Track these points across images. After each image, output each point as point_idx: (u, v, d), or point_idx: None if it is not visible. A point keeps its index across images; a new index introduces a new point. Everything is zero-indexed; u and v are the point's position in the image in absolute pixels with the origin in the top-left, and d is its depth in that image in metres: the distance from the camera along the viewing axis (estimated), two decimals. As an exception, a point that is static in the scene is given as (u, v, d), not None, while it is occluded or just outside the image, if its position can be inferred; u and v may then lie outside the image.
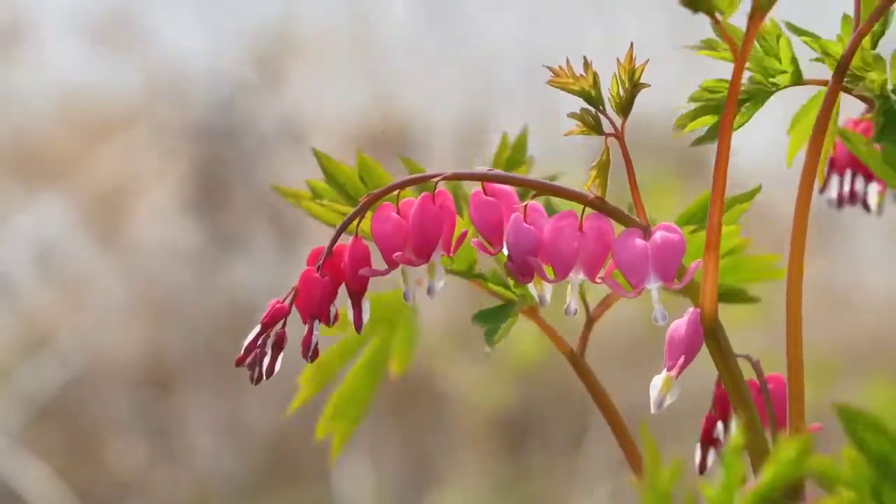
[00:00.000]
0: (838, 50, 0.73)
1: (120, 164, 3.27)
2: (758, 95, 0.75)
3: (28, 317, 3.15)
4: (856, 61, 0.73)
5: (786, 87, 0.75)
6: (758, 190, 0.78)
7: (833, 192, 0.88)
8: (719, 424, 0.78)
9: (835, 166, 0.88)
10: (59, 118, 3.40)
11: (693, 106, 0.75)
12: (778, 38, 0.74)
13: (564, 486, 2.88)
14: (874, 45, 0.73)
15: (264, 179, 3.26)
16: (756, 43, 0.74)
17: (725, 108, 0.70)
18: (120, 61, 3.39)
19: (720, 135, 0.70)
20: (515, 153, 0.83)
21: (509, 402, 2.97)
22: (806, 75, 0.76)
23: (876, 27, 0.73)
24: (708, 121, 0.75)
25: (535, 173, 0.81)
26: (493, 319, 0.74)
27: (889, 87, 0.73)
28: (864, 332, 3.17)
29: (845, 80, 0.73)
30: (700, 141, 0.75)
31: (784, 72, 0.74)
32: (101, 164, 3.26)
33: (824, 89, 0.74)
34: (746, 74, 0.74)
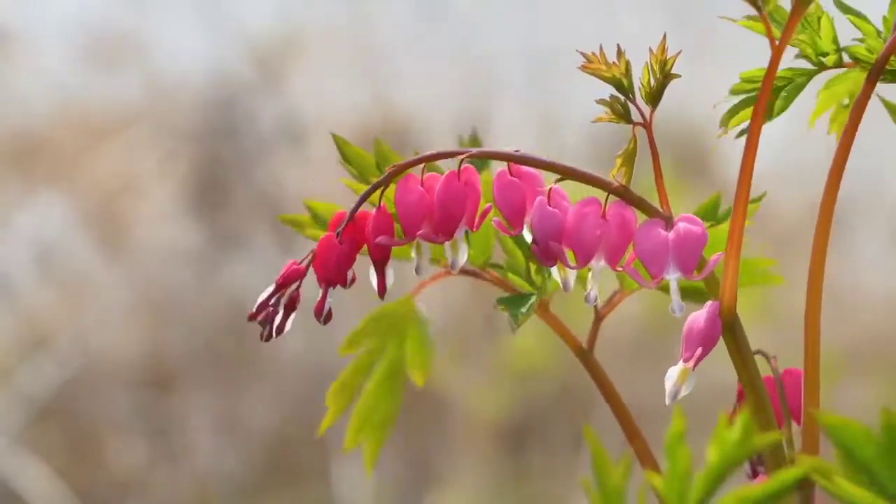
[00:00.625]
0: (879, 44, 0.73)
1: (120, 165, 3.27)
2: (798, 80, 0.74)
3: (28, 317, 3.15)
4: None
5: (830, 68, 0.74)
6: (763, 195, 0.78)
7: None
8: None
9: None
10: (59, 118, 3.40)
11: (734, 100, 0.74)
12: (818, 18, 0.73)
13: (564, 486, 2.88)
14: None
15: (264, 179, 3.26)
16: (801, 23, 0.73)
17: (759, 97, 0.69)
18: (120, 61, 3.39)
19: (751, 124, 0.70)
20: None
21: (509, 402, 2.97)
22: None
23: None
24: (749, 114, 0.74)
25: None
26: (514, 305, 0.74)
27: None
28: (864, 332, 3.17)
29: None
30: (743, 133, 0.74)
31: (827, 53, 0.74)
32: (101, 165, 3.26)
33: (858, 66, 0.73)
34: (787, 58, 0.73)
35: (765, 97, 0.69)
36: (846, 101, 0.79)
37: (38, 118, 3.41)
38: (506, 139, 3.21)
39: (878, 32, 0.73)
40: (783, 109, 0.74)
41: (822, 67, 0.74)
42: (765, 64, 0.70)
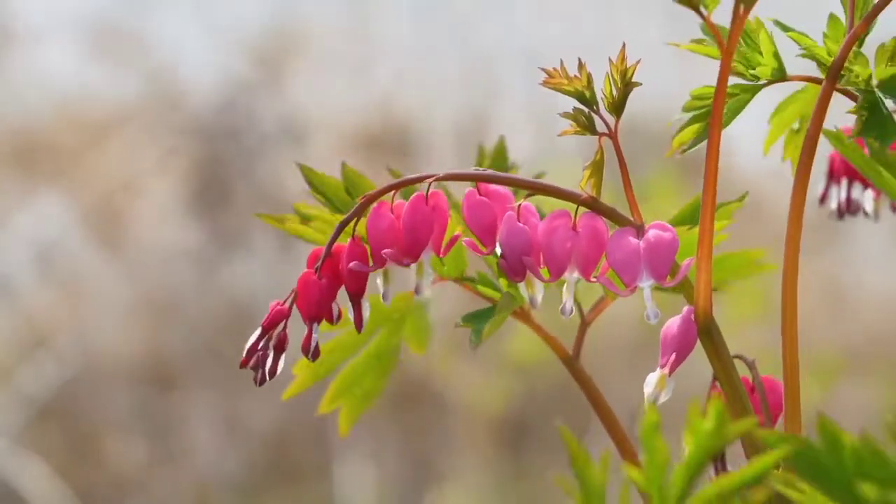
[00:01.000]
0: (823, 52, 0.74)
1: (120, 164, 3.27)
2: (743, 93, 0.75)
3: (28, 317, 3.15)
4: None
5: (768, 81, 0.75)
6: (745, 196, 0.78)
7: (833, 203, 0.88)
8: None
9: (832, 176, 0.88)
10: (60, 118, 3.40)
11: (686, 117, 0.75)
12: (759, 33, 0.74)
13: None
14: (860, 44, 0.73)
15: (264, 179, 3.26)
16: (740, 39, 0.74)
17: (713, 106, 0.70)
18: (121, 61, 3.39)
19: (710, 133, 0.70)
20: (496, 162, 0.83)
21: (509, 401, 2.98)
22: (792, 71, 0.76)
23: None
24: (699, 129, 0.75)
25: (530, 174, 0.81)
26: (479, 321, 0.74)
27: (874, 81, 0.72)
28: (864, 332, 3.18)
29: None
30: (686, 149, 0.76)
31: (765, 66, 0.74)
32: (101, 164, 3.26)
33: (808, 85, 0.74)
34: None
35: (719, 109, 0.70)
36: (796, 125, 0.81)
37: (38, 117, 3.41)
38: (506, 139, 3.20)
39: (825, 35, 0.74)
40: (727, 124, 0.75)
41: (757, 84, 0.75)
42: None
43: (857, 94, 0.72)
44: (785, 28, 0.75)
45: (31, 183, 3.26)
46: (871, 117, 0.72)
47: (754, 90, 0.75)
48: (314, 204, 0.79)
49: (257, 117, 3.32)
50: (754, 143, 0.81)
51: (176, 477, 3.01)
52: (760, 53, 0.74)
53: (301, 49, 3.43)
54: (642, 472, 0.61)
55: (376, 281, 0.73)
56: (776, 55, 0.75)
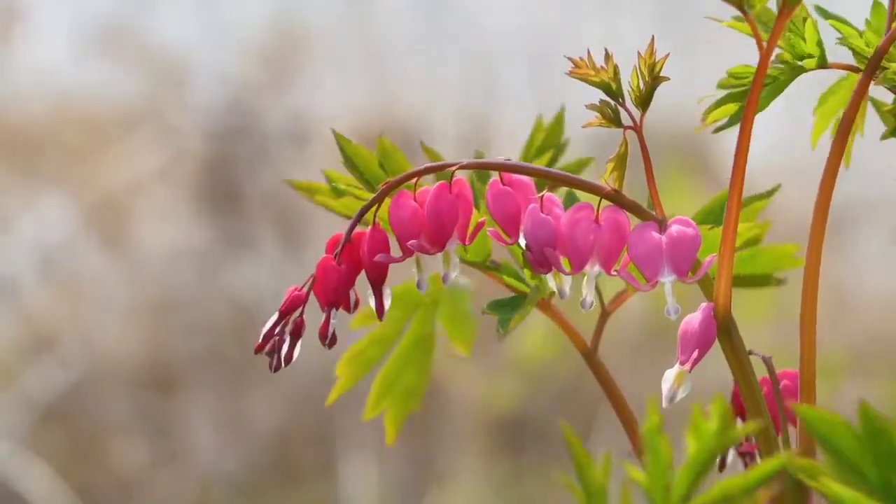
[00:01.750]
0: (861, 43, 0.73)
1: (124, 165, 3.27)
2: (781, 78, 0.74)
3: (31, 318, 3.15)
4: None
5: (810, 69, 0.74)
6: (776, 189, 0.78)
7: None
8: (738, 421, 0.78)
9: None
10: (63, 118, 3.40)
11: (719, 95, 0.74)
12: (804, 20, 0.73)
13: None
14: None
15: (269, 179, 3.26)
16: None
17: (750, 94, 0.69)
18: (125, 61, 3.39)
19: (742, 121, 0.70)
20: (550, 136, 0.83)
21: (512, 401, 2.97)
22: (832, 58, 0.75)
23: None
24: (731, 108, 0.75)
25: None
26: (506, 309, 0.74)
27: None
28: (864, 332, 3.17)
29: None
30: (721, 128, 0.75)
31: (810, 55, 0.74)
32: (105, 165, 3.26)
33: (850, 74, 0.74)
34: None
35: (755, 95, 0.69)
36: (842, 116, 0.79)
37: (41, 117, 3.41)
38: (506, 139, 3.21)
39: (867, 22, 0.73)
40: (762, 108, 0.74)
41: (800, 70, 0.74)
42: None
43: (893, 91, 0.72)
44: (826, 15, 0.75)
45: (34, 184, 3.26)
46: None
47: (793, 74, 0.74)
48: (346, 176, 0.78)
49: (262, 117, 3.32)
50: (763, 138, 0.81)
51: (178, 477, 3.01)
52: (804, 41, 0.74)
53: (305, 49, 3.42)
54: (645, 473, 0.61)
55: (411, 270, 0.73)
56: (819, 43, 0.74)
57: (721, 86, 0.75)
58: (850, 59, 0.75)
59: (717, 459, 0.77)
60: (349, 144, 0.78)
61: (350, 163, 0.78)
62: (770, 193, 0.78)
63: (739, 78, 0.74)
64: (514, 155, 0.78)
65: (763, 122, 0.75)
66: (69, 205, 3.20)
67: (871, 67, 0.71)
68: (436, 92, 3.43)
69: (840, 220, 3.22)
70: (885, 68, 0.71)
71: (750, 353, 0.72)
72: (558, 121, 0.83)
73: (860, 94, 0.71)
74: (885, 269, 3.42)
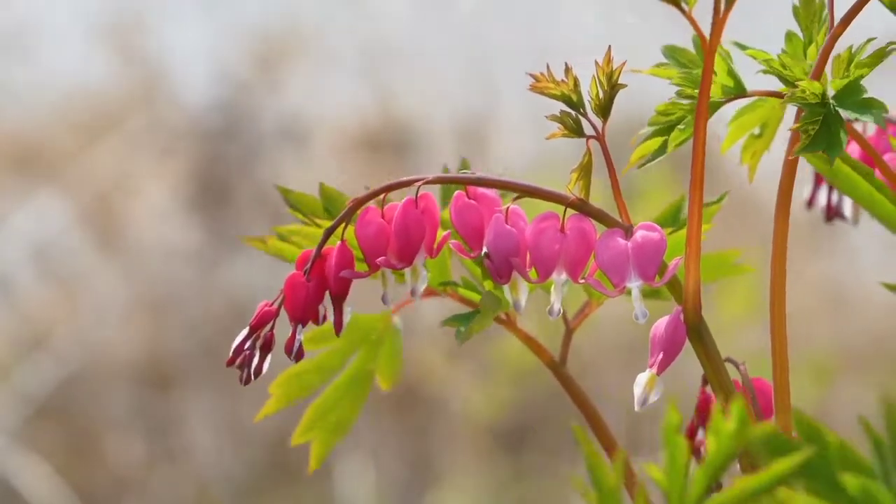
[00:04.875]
0: (778, 65, 0.75)
1: (119, 163, 3.27)
2: (690, 115, 0.75)
3: (26, 315, 3.15)
4: (797, 72, 0.74)
5: (727, 99, 0.76)
6: (724, 196, 0.80)
7: (819, 206, 0.88)
8: (700, 432, 0.78)
9: (819, 180, 0.89)
10: (58, 116, 3.40)
11: (650, 131, 0.75)
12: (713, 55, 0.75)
13: (564, 485, 2.88)
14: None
15: (264, 179, 3.26)
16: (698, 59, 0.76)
17: (698, 104, 0.70)
18: (119, 60, 3.39)
19: (695, 136, 0.71)
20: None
21: (508, 402, 2.97)
22: (756, 86, 0.77)
23: (819, 38, 0.75)
24: (655, 143, 0.75)
25: (530, 175, 0.82)
26: (462, 321, 0.75)
27: (830, 93, 0.73)
28: (864, 332, 3.18)
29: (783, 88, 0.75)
30: (644, 163, 0.76)
31: (720, 84, 0.75)
32: (99, 163, 3.26)
33: (768, 98, 0.76)
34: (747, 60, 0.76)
35: (704, 101, 0.70)
36: (757, 131, 0.82)
37: (35, 116, 3.41)
38: (506, 139, 3.21)
39: (783, 52, 0.76)
40: (682, 141, 0.75)
41: (717, 104, 0.76)
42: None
43: (804, 108, 0.72)
44: (743, 47, 0.77)
45: (28, 182, 3.26)
46: (821, 131, 0.72)
47: (714, 107, 0.75)
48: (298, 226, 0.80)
49: (257, 117, 3.32)
50: (739, 142, 0.82)
51: (175, 476, 3.01)
52: (716, 73, 0.75)
53: (301, 48, 3.42)
54: (663, 472, 0.61)
55: (380, 286, 0.74)
56: (731, 73, 0.76)
57: (651, 123, 0.75)
58: (769, 86, 0.77)
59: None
60: (291, 193, 0.79)
61: (295, 209, 0.80)
62: (720, 199, 0.79)
63: (666, 115, 0.75)
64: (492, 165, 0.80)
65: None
66: (64, 202, 3.20)
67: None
68: (435, 92, 3.43)
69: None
70: (795, 86, 0.72)
71: (725, 360, 0.73)
72: (463, 167, 0.84)
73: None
74: (885, 270, 3.42)
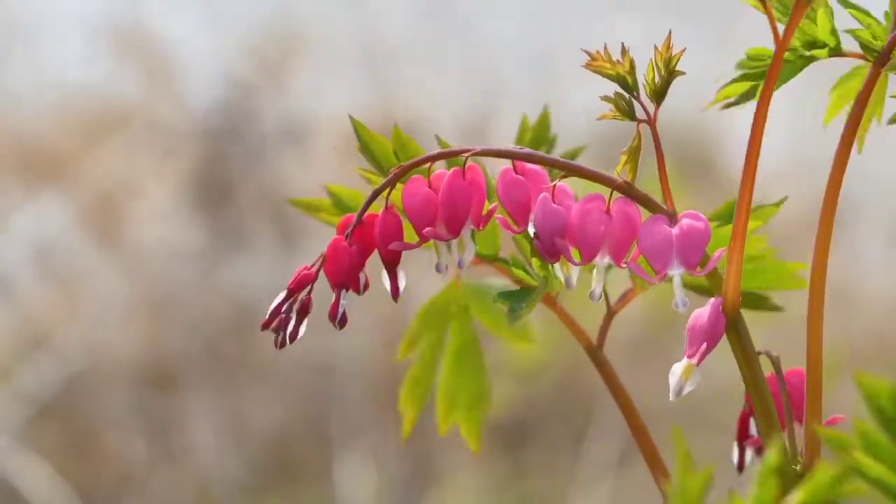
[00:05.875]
0: (867, 36, 0.73)
1: (120, 163, 3.27)
2: (798, 59, 0.74)
3: (27, 315, 3.14)
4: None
5: (822, 58, 0.74)
6: (786, 198, 0.78)
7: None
8: (752, 420, 0.78)
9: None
10: (59, 117, 3.40)
11: (735, 74, 0.74)
12: (818, 9, 0.73)
13: (564, 485, 2.88)
14: None
15: (266, 179, 3.26)
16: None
17: (765, 83, 0.69)
18: (120, 60, 3.39)
19: (757, 112, 0.70)
20: (537, 133, 0.83)
21: (509, 401, 2.97)
22: (852, 47, 0.75)
23: None
24: (744, 86, 0.74)
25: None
26: (515, 300, 0.73)
27: None
28: (864, 332, 3.17)
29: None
30: (730, 105, 0.75)
31: (824, 44, 0.74)
32: (101, 163, 3.25)
33: (865, 62, 0.73)
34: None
35: (770, 84, 0.69)
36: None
37: (37, 117, 3.41)
38: (508, 139, 3.21)
39: (886, 14, 0.73)
40: (777, 87, 0.73)
41: (810, 59, 0.74)
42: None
43: None
44: (846, 3, 0.75)
45: (30, 182, 3.26)
46: None
47: (809, 59, 0.74)
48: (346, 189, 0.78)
49: (258, 117, 3.32)
50: (773, 139, 0.81)
51: (175, 476, 3.01)
52: (817, 27, 0.73)
53: (302, 49, 3.42)
54: None
55: (433, 255, 0.73)
56: (833, 31, 0.74)
57: (739, 66, 0.75)
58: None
59: (736, 461, 0.77)
60: (366, 132, 0.78)
61: (367, 150, 0.78)
62: (780, 202, 0.78)
63: (757, 60, 0.74)
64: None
65: (772, 122, 0.75)
66: (65, 202, 3.20)
67: (881, 60, 0.71)
68: (436, 92, 3.43)
69: (841, 218, 3.22)
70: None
71: (760, 353, 0.72)
72: (544, 119, 0.84)
73: (869, 85, 0.71)
74: (885, 269, 3.41)
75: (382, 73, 3.45)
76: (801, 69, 0.75)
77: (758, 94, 0.72)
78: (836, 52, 0.74)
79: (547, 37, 3.40)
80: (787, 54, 0.73)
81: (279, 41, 3.41)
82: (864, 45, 0.74)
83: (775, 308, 0.82)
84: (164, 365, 3.13)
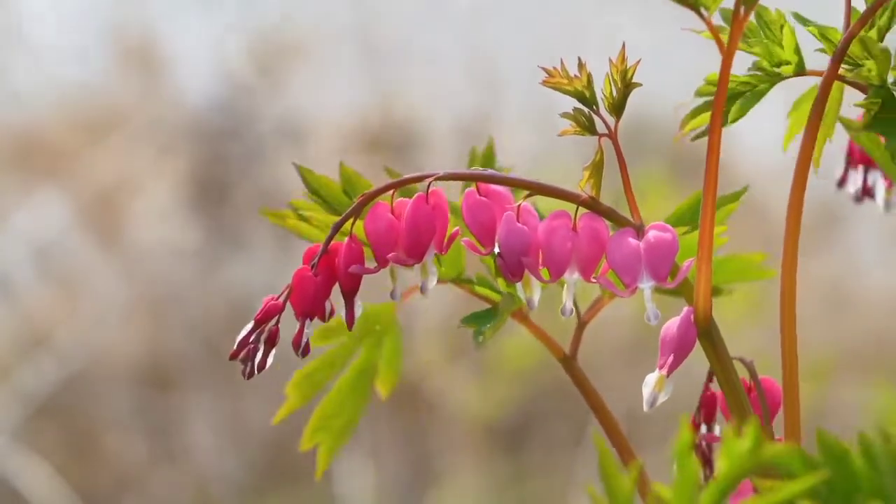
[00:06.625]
0: (837, 36, 0.73)
1: (119, 163, 3.27)
2: (759, 86, 0.74)
3: (26, 315, 3.14)
4: (856, 49, 0.72)
5: (788, 76, 0.74)
6: (744, 190, 0.78)
7: (851, 187, 0.87)
8: (703, 427, 0.78)
9: (851, 160, 0.87)
10: (58, 116, 3.40)
11: (697, 102, 0.74)
12: (781, 27, 0.73)
13: (563, 485, 2.88)
14: (881, 38, 0.72)
15: (264, 179, 3.26)
16: (762, 32, 0.74)
17: (714, 104, 0.69)
18: (120, 59, 3.39)
19: (710, 131, 0.70)
20: (485, 163, 0.83)
21: (508, 401, 2.97)
22: (809, 66, 0.75)
23: (882, 20, 0.72)
24: (705, 119, 0.74)
25: (531, 173, 0.81)
26: (480, 321, 0.74)
27: (890, 77, 0.71)
28: (864, 332, 3.17)
29: (844, 67, 0.72)
30: (699, 136, 0.75)
31: (787, 62, 0.74)
32: (100, 163, 3.26)
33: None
34: (750, 62, 0.74)
35: (720, 102, 0.69)
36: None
37: (36, 116, 3.41)
38: (508, 138, 3.21)
39: (838, 31, 0.73)
40: (740, 116, 0.74)
41: (778, 77, 0.74)
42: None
43: (869, 87, 0.71)
44: (804, 21, 0.75)
45: (29, 181, 3.26)
46: (881, 113, 0.71)
47: (772, 82, 0.74)
48: (312, 203, 0.79)
49: (257, 117, 3.32)
50: (750, 141, 0.81)
51: (175, 476, 3.01)
52: (782, 47, 0.74)
53: (301, 48, 3.42)
54: (673, 491, 0.60)
55: (388, 279, 0.73)
56: (797, 50, 0.74)
57: (699, 93, 0.74)
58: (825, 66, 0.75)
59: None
60: (311, 174, 0.78)
61: (314, 192, 0.78)
62: (738, 195, 0.78)
63: (717, 84, 0.73)
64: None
65: (754, 122, 0.75)
66: (64, 202, 3.20)
67: (836, 59, 0.71)
68: (435, 91, 3.43)
69: (840, 218, 3.22)
70: (860, 65, 0.71)
71: (734, 359, 0.72)
72: (489, 150, 0.83)
73: (826, 88, 0.71)
74: (885, 269, 3.41)
75: (382, 73, 3.45)
76: (766, 91, 0.75)
77: (729, 120, 0.72)
78: (801, 70, 0.74)
79: (547, 36, 3.39)
80: (751, 78, 0.74)
81: (279, 41, 3.41)
82: (826, 40, 0.74)
83: (723, 293, 0.82)
84: (164, 365, 3.13)
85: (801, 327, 0.74)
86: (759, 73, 0.74)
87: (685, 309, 0.71)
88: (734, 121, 0.74)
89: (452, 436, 3.02)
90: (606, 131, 0.72)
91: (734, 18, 0.68)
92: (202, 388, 3.08)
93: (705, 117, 0.75)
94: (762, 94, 0.75)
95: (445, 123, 3.35)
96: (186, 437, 3.05)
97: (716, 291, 0.81)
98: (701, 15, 0.68)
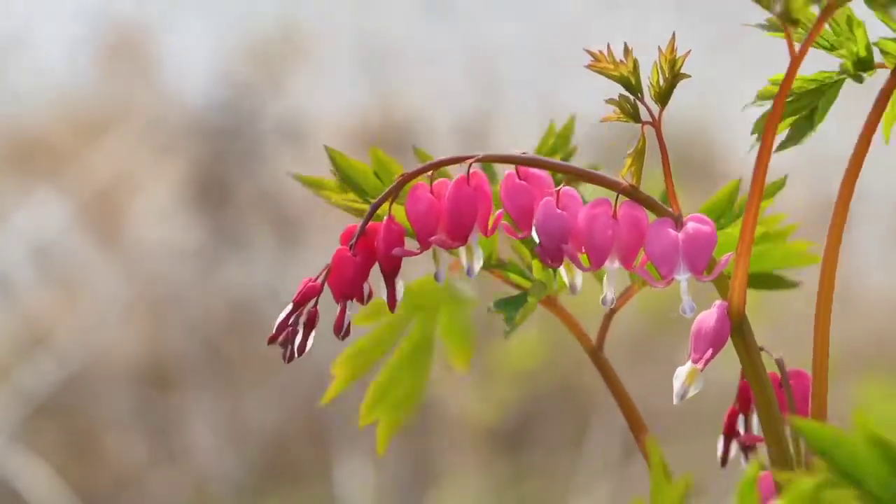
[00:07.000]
0: (892, 45, 0.72)
1: (119, 162, 3.27)
2: (834, 82, 0.73)
3: (26, 315, 3.14)
4: None
5: (870, 75, 0.73)
6: (782, 183, 0.77)
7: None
8: (741, 417, 0.77)
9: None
10: (58, 115, 3.40)
11: (761, 104, 0.73)
12: (851, 24, 0.72)
13: (563, 485, 2.88)
14: None
15: (265, 178, 3.25)
16: (828, 28, 0.73)
17: (774, 104, 0.68)
18: (120, 59, 3.39)
19: (766, 128, 0.69)
20: (560, 141, 0.82)
21: (508, 402, 2.97)
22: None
23: None
24: (788, 122, 0.73)
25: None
26: (511, 307, 0.73)
27: None
28: (864, 332, 3.17)
29: None
30: (783, 146, 0.74)
31: (865, 59, 0.73)
32: (100, 162, 3.25)
33: None
34: (836, 63, 0.73)
35: (780, 102, 0.68)
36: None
37: (36, 115, 3.41)
38: (508, 139, 3.20)
39: None
40: (821, 119, 0.73)
41: (859, 79, 0.73)
42: (783, 64, 0.69)
43: None
44: (890, 20, 0.73)
45: (29, 181, 3.26)
46: None
47: (843, 80, 0.73)
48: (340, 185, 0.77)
49: (257, 117, 3.32)
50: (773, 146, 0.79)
51: (175, 476, 3.00)
52: (855, 45, 0.72)
53: (301, 48, 3.42)
54: None
55: (431, 260, 0.72)
56: (868, 47, 0.73)
57: (761, 96, 0.73)
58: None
59: (720, 454, 0.77)
60: (342, 158, 0.77)
61: (345, 176, 0.77)
62: (776, 188, 0.77)
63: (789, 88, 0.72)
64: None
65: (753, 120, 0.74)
66: (64, 202, 3.20)
67: None
68: (435, 91, 3.43)
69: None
70: None
71: (760, 349, 0.72)
72: (569, 126, 0.82)
73: (886, 93, 0.70)
74: (885, 269, 3.41)
75: (382, 73, 3.45)
76: (839, 89, 0.74)
77: (816, 126, 0.72)
78: (871, 66, 0.73)
79: (548, 36, 3.39)
80: (835, 75, 0.73)
81: (279, 41, 3.41)
82: (886, 55, 0.73)
83: (792, 285, 0.81)
84: (164, 365, 3.12)
85: (803, 326, 0.74)
86: (843, 74, 0.73)
87: (718, 302, 0.71)
88: (818, 123, 0.73)
89: (452, 436, 3.02)
90: (649, 119, 0.71)
91: (820, 17, 0.67)
92: (202, 388, 3.08)
93: (783, 124, 0.73)
94: (837, 91, 0.73)
95: (445, 123, 3.35)
96: (186, 437, 3.05)
97: (782, 283, 0.80)
98: (777, 12, 0.68)
